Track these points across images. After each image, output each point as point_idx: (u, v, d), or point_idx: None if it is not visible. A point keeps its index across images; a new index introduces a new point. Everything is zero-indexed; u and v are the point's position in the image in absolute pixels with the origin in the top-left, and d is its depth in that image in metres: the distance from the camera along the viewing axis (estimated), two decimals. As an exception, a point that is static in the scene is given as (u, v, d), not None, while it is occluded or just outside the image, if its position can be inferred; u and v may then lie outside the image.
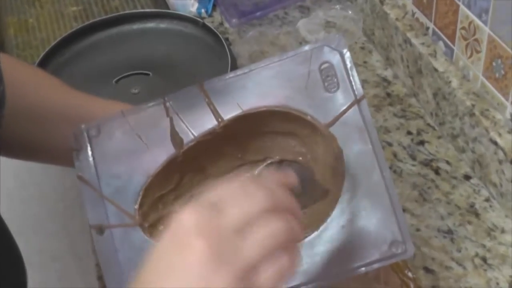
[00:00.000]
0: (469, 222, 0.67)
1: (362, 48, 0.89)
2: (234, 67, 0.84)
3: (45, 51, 0.89)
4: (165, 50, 0.91)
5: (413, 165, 0.73)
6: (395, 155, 0.75)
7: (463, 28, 0.70)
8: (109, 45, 0.93)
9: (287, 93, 0.51)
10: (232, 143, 0.53)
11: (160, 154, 0.51)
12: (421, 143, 0.76)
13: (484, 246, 0.65)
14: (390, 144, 0.76)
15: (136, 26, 0.94)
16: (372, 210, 0.48)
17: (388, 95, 0.82)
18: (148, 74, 0.87)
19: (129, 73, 0.88)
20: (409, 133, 0.77)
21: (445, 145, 0.75)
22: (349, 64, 0.50)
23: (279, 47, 0.89)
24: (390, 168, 0.73)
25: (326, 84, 0.50)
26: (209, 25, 0.91)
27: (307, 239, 0.48)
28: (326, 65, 0.50)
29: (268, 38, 0.90)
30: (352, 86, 0.50)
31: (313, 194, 0.53)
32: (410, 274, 0.61)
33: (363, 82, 0.84)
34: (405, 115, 0.79)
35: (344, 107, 0.50)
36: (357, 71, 0.85)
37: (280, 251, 0.36)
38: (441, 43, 0.75)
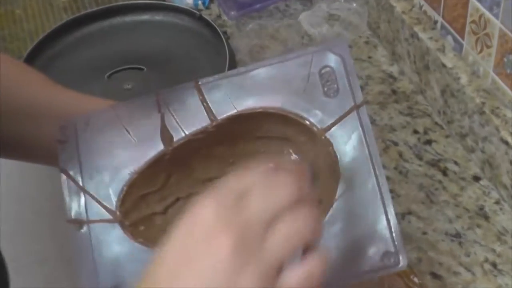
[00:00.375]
0: (478, 226, 0.67)
1: (367, 42, 0.89)
2: (233, 61, 0.84)
3: (33, 44, 0.89)
4: (160, 44, 0.91)
5: (420, 166, 0.73)
6: (400, 154, 0.75)
7: (473, 21, 0.70)
8: (101, 38, 0.92)
9: (285, 96, 0.51)
10: (224, 145, 0.54)
11: (148, 150, 0.52)
12: (428, 142, 0.76)
13: (494, 250, 0.65)
14: (395, 144, 0.76)
15: (130, 18, 0.94)
16: (365, 219, 0.48)
17: (394, 92, 0.82)
18: (142, 69, 0.87)
19: (122, 67, 0.88)
20: (415, 132, 0.77)
21: (454, 144, 0.75)
22: (350, 70, 0.51)
23: (279, 41, 0.89)
24: (395, 168, 0.73)
25: (325, 88, 0.51)
26: (206, 17, 0.91)
27: None
28: (327, 69, 0.51)
29: (268, 32, 0.90)
30: (352, 91, 0.50)
31: None
32: (416, 280, 0.61)
33: (367, 78, 0.84)
34: (411, 113, 0.79)
35: (343, 113, 0.50)
36: (362, 67, 0.85)
37: (310, 252, 0.36)
38: (449, 38, 0.75)
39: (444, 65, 0.74)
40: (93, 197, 0.51)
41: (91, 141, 0.52)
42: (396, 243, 0.47)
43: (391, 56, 0.86)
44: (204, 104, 0.52)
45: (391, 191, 0.71)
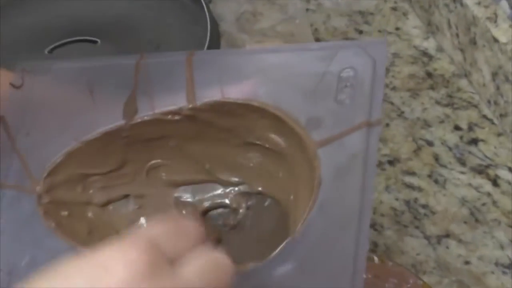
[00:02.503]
0: (539, 253, 0.67)
1: (394, 8, 0.89)
2: (215, 33, 0.84)
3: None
4: (119, 9, 0.91)
5: (462, 173, 0.73)
6: (436, 158, 0.75)
7: (534, -19, 0.69)
8: (40, 1, 0.92)
9: (287, 91, 0.52)
10: (198, 143, 0.55)
11: (106, 119, 0.54)
12: (474, 142, 0.76)
13: (559, 286, 0.65)
14: (430, 143, 0.76)
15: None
16: (328, 262, 0.48)
17: (429, 75, 0.82)
18: (95, 42, 0.87)
19: (67, 40, 0.87)
20: (457, 128, 0.77)
21: (507, 145, 0.75)
22: (378, 78, 0.50)
23: (278, 6, 0.89)
24: (430, 176, 0.73)
25: (339, 94, 0.51)
26: (181, -26, 0.91)
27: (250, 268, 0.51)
28: (349, 71, 0.51)
29: (263, -6, 0.90)
30: (370, 104, 0.50)
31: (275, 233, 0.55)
32: (455, 325, 0.61)
33: (394, 56, 0.84)
34: (452, 103, 0.79)
35: (348, 127, 0.50)
36: (387, 41, 0.85)
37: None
38: (504, 3, 0.75)
39: (496, 40, 0.73)
40: (20, 156, 0.53)
41: (44, 91, 0.55)
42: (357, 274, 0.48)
43: (426, 28, 0.86)
44: (189, 82, 0.53)
45: (423, 206, 0.71)
